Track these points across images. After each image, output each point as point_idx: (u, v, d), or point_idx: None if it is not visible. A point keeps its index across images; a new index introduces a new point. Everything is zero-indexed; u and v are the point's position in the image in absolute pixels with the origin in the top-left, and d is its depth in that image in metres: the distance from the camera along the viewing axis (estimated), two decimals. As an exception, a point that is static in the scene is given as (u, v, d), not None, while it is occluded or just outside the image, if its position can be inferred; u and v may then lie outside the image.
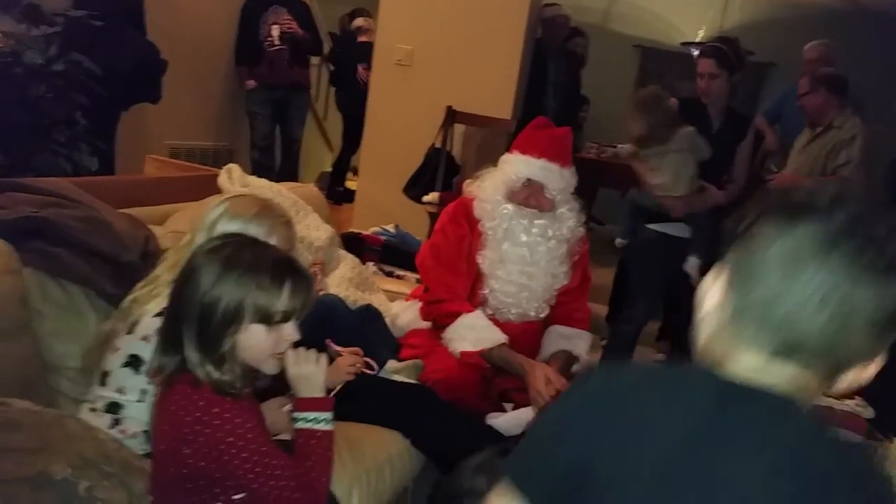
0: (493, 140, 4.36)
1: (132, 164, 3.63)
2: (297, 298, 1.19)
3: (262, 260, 1.19)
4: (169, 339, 1.18)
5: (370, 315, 2.23)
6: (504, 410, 2.16)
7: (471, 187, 2.27)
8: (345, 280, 2.46)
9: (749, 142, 3.30)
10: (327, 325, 1.79)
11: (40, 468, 1.11)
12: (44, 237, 1.70)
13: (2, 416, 1.22)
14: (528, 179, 2.15)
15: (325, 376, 1.26)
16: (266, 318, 1.17)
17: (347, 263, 2.55)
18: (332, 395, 1.32)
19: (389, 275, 3.10)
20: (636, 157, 3.09)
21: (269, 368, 1.23)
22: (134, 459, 1.29)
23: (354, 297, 2.43)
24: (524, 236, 2.17)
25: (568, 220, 2.19)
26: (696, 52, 3.32)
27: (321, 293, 2.04)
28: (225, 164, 2.54)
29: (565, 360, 2.16)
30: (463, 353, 2.09)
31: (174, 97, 4.65)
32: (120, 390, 1.49)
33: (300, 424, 1.23)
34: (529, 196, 2.16)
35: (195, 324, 1.15)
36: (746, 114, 3.45)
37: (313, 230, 2.42)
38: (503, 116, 4.39)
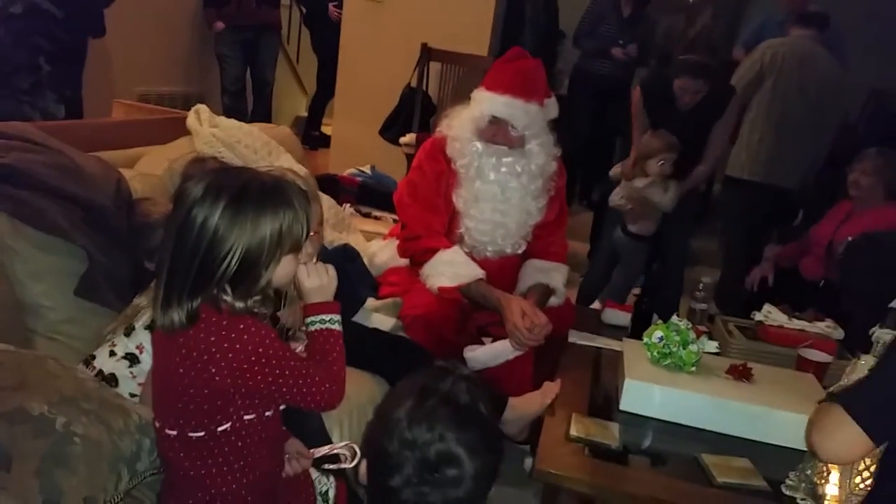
0: (470, 78, 4.30)
1: (101, 112, 3.55)
2: (312, 217, 1.25)
3: (273, 191, 1.18)
4: (176, 293, 1.16)
5: (348, 255, 2.23)
6: (482, 344, 2.20)
7: (442, 126, 2.25)
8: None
9: (728, 122, 3.29)
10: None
11: (17, 404, 1.11)
12: (9, 181, 1.67)
13: (-23, 358, 1.22)
14: (493, 116, 2.12)
15: (335, 285, 1.33)
16: (297, 247, 1.21)
17: (323, 205, 2.52)
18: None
19: (366, 216, 3.09)
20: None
21: (288, 287, 1.29)
22: (112, 398, 1.30)
23: (332, 238, 2.43)
24: (493, 174, 2.16)
25: (537, 157, 2.18)
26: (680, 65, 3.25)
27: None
28: None
29: (541, 293, 2.19)
30: (441, 289, 2.11)
31: (140, 42, 4.53)
32: (139, 347, 1.52)
33: (316, 326, 1.30)
34: (496, 133, 2.15)
35: (228, 273, 1.15)
36: (724, 89, 3.33)
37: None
38: (480, 53, 4.33)
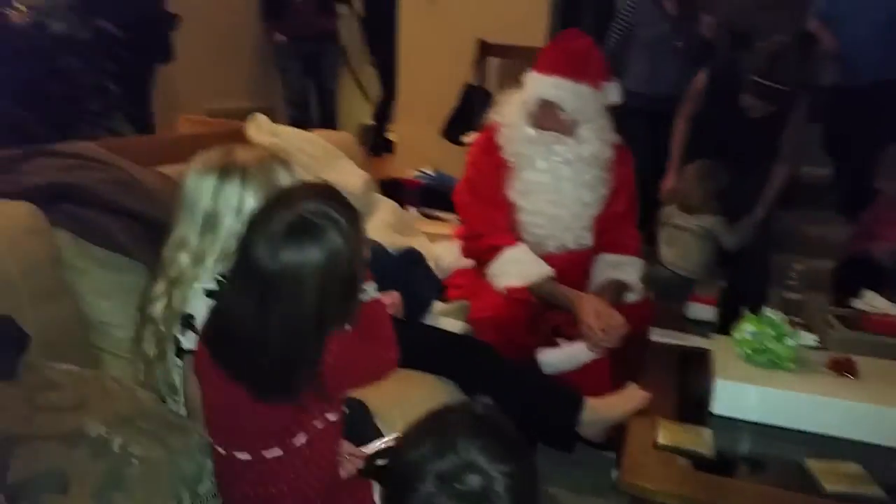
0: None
1: (170, 130, 3.62)
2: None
3: (345, 213, 1.16)
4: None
5: (412, 258, 2.16)
6: (556, 346, 2.08)
7: (495, 114, 2.15)
8: (384, 225, 2.40)
9: (800, 117, 2.89)
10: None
11: (75, 425, 1.09)
12: (71, 200, 1.67)
13: (40, 377, 1.21)
14: (542, 99, 2.00)
15: None
16: None
17: (387, 208, 2.48)
18: None
19: (431, 218, 3.02)
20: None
21: None
22: (172, 417, 1.26)
23: (395, 242, 2.36)
24: (543, 163, 2.04)
25: (589, 143, 2.05)
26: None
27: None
28: None
29: (615, 290, 2.06)
30: (509, 289, 2.01)
31: (206, 60, 4.62)
32: None
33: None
34: (545, 118, 2.03)
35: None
36: (790, 81, 2.72)
37: (348, 175, 2.35)
38: (536, 44, 4.20)
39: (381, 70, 5.78)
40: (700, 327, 2.19)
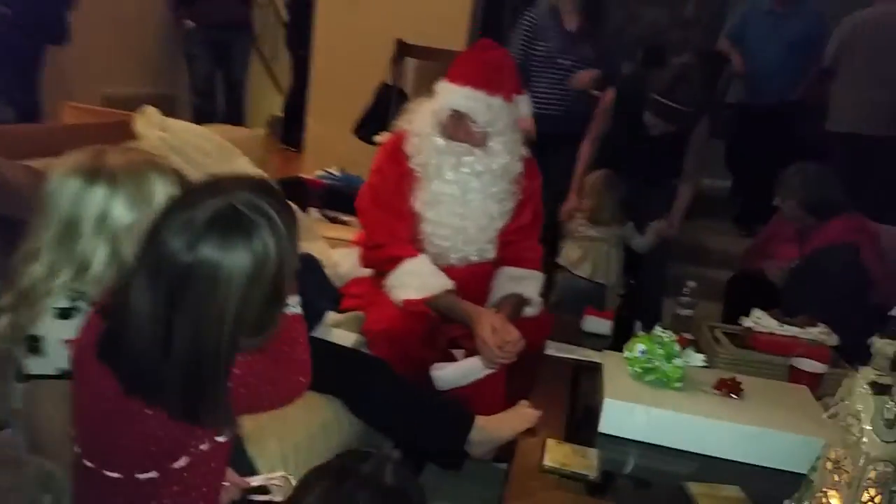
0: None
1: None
2: None
3: (282, 211, 1.06)
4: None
5: (306, 265, 2.05)
6: (453, 359, 2.05)
7: (403, 121, 2.10)
8: (280, 228, 2.29)
9: (702, 136, 2.95)
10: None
11: None
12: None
13: None
14: (454, 110, 1.96)
15: None
16: None
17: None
18: None
19: (334, 220, 2.93)
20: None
21: None
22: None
23: (292, 247, 2.27)
24: (451, 174, 2.00)
25: (500, 156, 2.02)
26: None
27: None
28: (165, 113, 2.33)
29: (514, 305, 2.03)
30: (406, 302, 1.95)
31: (106, 42, 4.35)
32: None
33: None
34: (457, 129, 1.99)
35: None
36: (691, 103, 2.77)
37: (242, 176, 2.23)
38: (457, 48, 4.16)
39: (300, 61, 5.61)
40: (596, 341, 2.19)
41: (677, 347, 1.78)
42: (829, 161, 3.03)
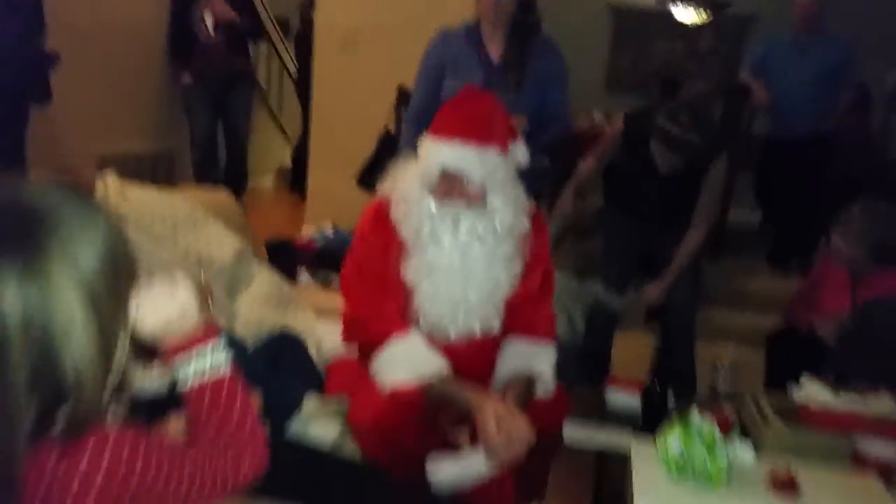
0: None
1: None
2: None
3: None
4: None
5: (284, 344, 1.82)
6: (456, 445, 1.75)
7: (385, 187, 1.85)
8: (259, 300, 2.04)
9: (717, 180, 2.66)
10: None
11: None
12: None
13: None
14: (444, 170, 1.72)
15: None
16: None
17: (263, 281, 2.11)
18: None
19: (325, 284, 2.68)
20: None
21: None
22: None
23: (273, 320, 2.02)
24: (449, 239, 1.74)
25: (502, 213, 1.76)
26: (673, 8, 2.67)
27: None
28: (165, 171, 2.13)
29: (524, 386, 1.73)
30: (394, 388, 1.68)
31: (100, 99, 4.21)
32: None
33: (194, 378, 0.98)
34: (450, 189, 1.74)
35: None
36: (701, 132, 2.50)
37: (213, 245, 1.99)
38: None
39: (308, 110, 5.47)
40: (622, 420, 1.90)
41: (719, 436, 1.49)
42: (885, 196, 2.65)
